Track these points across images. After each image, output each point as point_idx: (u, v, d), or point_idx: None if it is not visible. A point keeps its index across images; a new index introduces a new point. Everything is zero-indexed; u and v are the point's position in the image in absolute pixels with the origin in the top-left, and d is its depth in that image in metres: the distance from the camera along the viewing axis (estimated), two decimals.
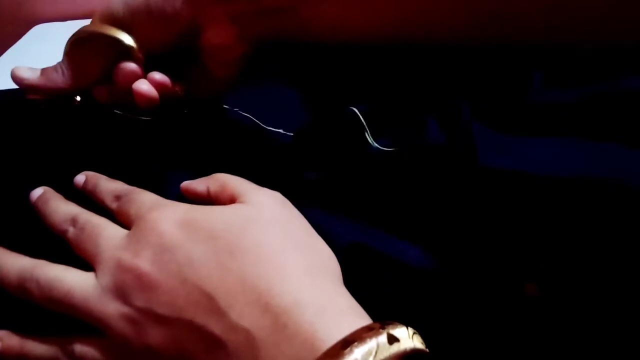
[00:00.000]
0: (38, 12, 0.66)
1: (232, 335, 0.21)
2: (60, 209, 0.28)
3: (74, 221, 0.27)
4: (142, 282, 0.23)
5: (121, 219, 0.27)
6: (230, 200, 0.27)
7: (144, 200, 0.27)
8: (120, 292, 0.23)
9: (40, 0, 0.65)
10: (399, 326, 0.20)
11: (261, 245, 0.23)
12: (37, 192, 0.30)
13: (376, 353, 0.19)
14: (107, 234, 0.25)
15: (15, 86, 0.35)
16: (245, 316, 0.21)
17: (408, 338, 0.20)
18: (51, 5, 0.66)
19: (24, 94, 0.34)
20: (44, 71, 0.33)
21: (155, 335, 0.22)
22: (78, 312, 0.24)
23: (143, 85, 0.32)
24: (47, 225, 0.28)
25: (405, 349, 0.20)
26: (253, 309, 0.21)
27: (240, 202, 0.26)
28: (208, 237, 0.23)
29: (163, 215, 0.25)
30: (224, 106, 0.39)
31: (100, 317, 0.23)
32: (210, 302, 0.22)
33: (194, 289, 0.22)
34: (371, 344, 0.19)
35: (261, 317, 0.21)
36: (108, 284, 0.23)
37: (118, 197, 0.28)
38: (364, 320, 0.21)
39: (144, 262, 0.23)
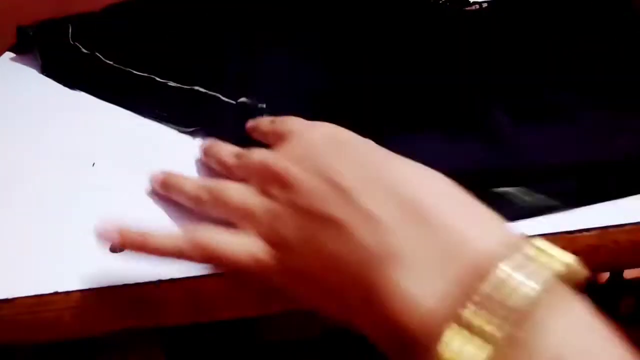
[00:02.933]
0: (38, 12, 0.65)
1: (356, 218, 0.22)
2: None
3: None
4: (287, 181, 0.25)
5: (271, 139, 0.31)
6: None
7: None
8: (267, 190, 0.26)
9: (41, 0, 0.65)
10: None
11: (392, 155, 0.25)
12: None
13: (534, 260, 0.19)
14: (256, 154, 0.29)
15: None
16: (373, 201, 0.22)
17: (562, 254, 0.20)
18: (51, 5, 0.66)
19: None
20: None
21: (290, 227, 0.24)
22: (232, 209, 0.27)
23: None
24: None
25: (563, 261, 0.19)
26: (383, 196, 0.23)
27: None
28: (350, 149, 0.26)
29: (309, 131, 0.28)
30: (229, 100, 0.40)
31: (247, 208, 0.26)
32: (343, 194, 0.23)
33: (333, 186, 0.24)
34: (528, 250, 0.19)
35: (391, 205, 0.22)
36: (257, 184, 0.27)
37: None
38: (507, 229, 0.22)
39: (290, 166, 0.26)
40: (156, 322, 0.28)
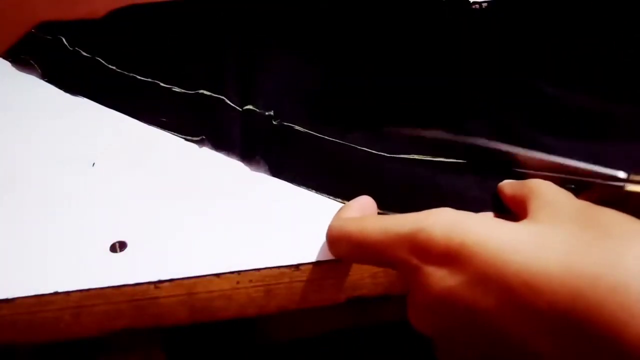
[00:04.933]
0: (38, 12, 0.65)
1: None
2: None
3: None
4: None
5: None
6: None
7: None
8: None
9: (41, 0, 0.65)
10: None
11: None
12: None
13: None
14: None
15: None
16: None
17: None
18: (52, 5, 0.66)
19: None
20: None
21: None
22: None
23: None
24: None
25: None
26: None
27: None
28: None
29: None
30: (233, 106, 0.39)
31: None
32: None
33: None
34: None
35: None
36: None
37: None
38: None
39: None
40: (156, 322, 0.28)
